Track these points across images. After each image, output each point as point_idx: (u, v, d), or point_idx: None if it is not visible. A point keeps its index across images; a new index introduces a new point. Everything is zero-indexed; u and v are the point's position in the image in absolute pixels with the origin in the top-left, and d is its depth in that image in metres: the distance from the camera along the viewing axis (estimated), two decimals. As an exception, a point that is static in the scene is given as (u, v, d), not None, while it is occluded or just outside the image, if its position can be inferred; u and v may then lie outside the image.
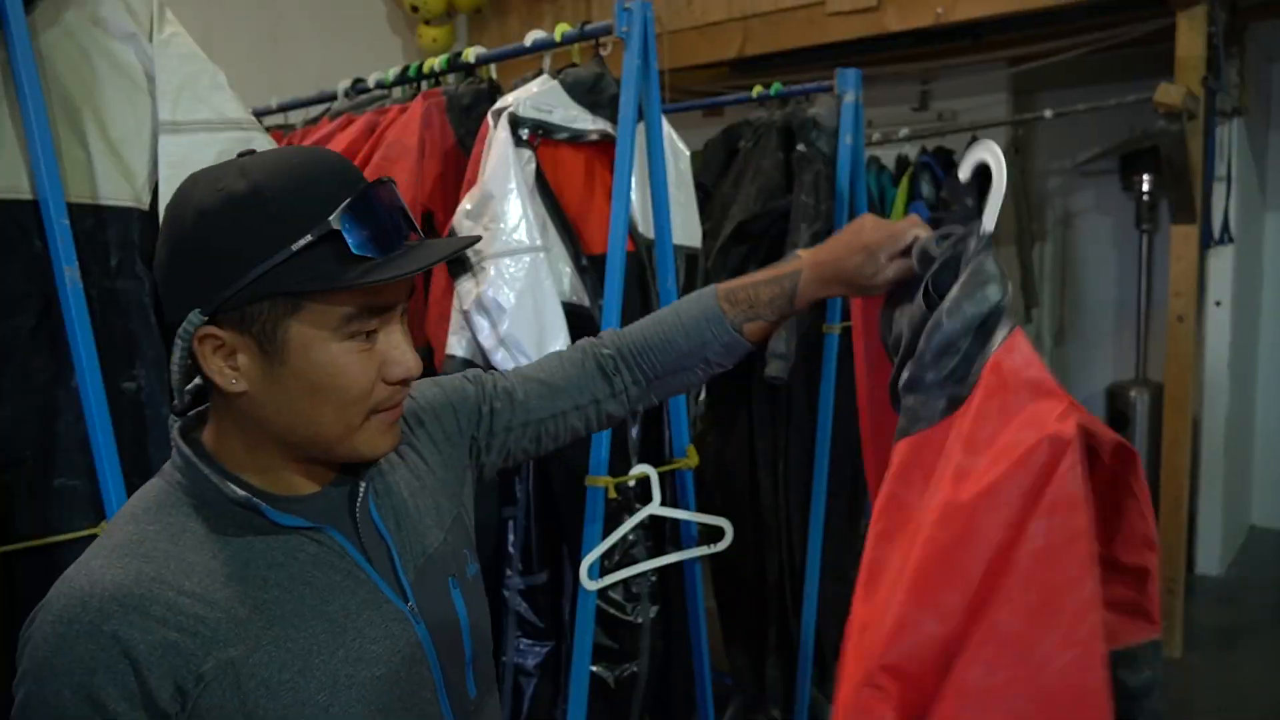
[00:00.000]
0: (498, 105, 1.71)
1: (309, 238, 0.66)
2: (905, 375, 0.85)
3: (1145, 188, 4.04)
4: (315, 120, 1.98)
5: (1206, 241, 3.12)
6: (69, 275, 1.30)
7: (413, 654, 0.75)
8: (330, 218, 0.66)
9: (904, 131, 3.14)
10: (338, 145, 1.79)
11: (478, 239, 0.79)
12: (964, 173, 0.91)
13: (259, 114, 2.10)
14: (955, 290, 0.81)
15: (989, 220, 0.86)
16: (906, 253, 0.92)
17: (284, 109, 2.06)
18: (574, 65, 1.83)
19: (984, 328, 0.80)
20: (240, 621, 0.68)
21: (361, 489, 0.77)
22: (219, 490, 0.71)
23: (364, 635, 0.72)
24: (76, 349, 1.30)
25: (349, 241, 0.66)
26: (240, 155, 0.70)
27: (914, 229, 0.94)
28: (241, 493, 0.71)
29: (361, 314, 0.69)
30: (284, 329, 0.68)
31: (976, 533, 0.73)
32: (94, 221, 1.34)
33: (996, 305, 0.81)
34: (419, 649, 0.76)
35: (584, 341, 1.00)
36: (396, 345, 0.72)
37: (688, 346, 0.96)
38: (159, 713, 0.64)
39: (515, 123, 1.69)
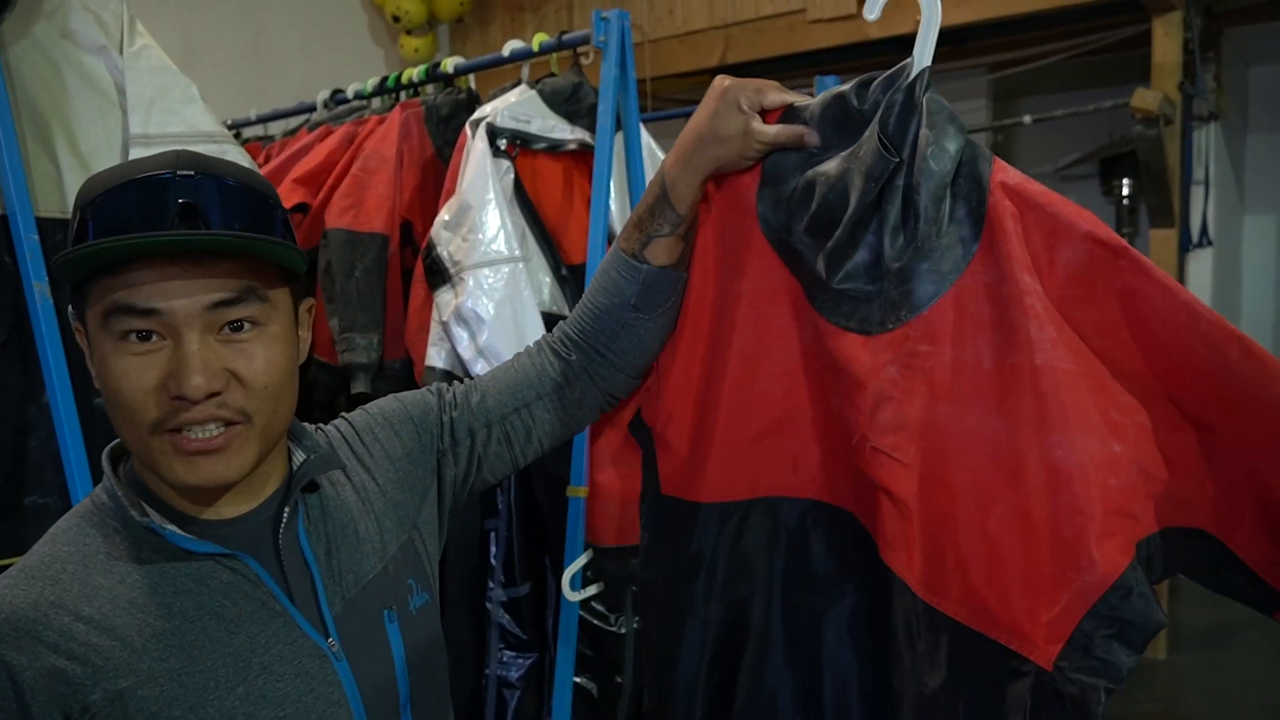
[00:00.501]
0: (475, 115, 1.71)
1: (74, 227, 0.65)
2: (864, 248, 0.77)
3: (1125, 192, 4.09)
4: (294, 131, 1.98)
5: (1185, 245, 3.14)
6: (39, 291, 1.28)
7: (329, 694, 0.70)
8: (85, 205, 0.65)
9: (885, 138, 3.15)
10: (316, 156, 1.79)
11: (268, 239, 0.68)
12: (872, 12, 0.80)
13: (238, 126, 2.09)
14: (926, 130, 0.73)
15: (922, 54, 0.76)
16: (787, 120, 0.83)
17: (263, 120, 2.05)
18: (552, 75, 1.82)
19: (968, 160, 0.74)
20: (135, 651, 0.65)
21: (285, 514, 0.72)
22: (126, 514, 0.68)
23: (270, 672, 0.68)
24: (47, 365, 1.29)
25: (89, 231, 0.64)
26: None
27: (778, 91, 0.84)
28: (142, 517, 0.68)
29: (117, 314, 0.64)
30: (87, 322, 0.67)
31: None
32: (64, 236, 1.31)
33: (968, 136, 0.75)
34: (338, 689, 0.70)
35: (539, 337, 0.97)
36: (179, 359, 0.64)
37: (608, 300, 0.89)
38: None
39: (493, 133, 1.69)
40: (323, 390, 1.75)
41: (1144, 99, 2.47)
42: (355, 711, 0.71)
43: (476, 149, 1.68)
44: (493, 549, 1.82)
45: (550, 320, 1.76)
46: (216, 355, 0.65)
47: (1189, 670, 2.93)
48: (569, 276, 1.80)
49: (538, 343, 0.95)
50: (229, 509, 0.72)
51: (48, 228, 1.30)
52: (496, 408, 0.89)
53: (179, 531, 0.69)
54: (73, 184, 1.33)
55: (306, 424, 0.81)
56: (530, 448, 0.92)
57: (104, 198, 0.64)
